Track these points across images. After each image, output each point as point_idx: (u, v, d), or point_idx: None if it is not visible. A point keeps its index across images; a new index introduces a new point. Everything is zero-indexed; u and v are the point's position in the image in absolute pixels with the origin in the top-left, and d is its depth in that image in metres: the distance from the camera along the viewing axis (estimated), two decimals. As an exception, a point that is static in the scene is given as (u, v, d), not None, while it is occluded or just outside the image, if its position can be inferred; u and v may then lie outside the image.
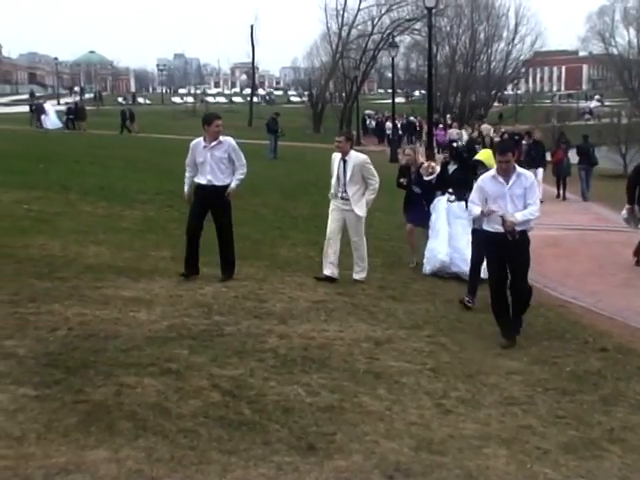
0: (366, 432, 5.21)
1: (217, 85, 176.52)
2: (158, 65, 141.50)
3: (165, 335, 7.10)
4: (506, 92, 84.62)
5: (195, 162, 9.71)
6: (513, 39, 67.49)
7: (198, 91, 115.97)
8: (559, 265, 12.48)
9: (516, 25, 66.97)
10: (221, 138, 9.67)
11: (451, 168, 11.31)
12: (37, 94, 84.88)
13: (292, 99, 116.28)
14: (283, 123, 32.74)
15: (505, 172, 7.68)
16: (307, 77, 74.77)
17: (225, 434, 5.00)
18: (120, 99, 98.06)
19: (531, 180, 7.81)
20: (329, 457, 4.79)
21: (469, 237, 10.14)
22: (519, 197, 7.67)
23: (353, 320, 8.14)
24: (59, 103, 52.54)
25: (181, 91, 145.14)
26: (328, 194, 10.37)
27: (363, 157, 10.23)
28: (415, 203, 11.55)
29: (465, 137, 26.89)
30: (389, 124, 45.56)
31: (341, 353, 6.94)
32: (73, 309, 7.70)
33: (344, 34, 56.91)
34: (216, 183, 9.59)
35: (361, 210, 10.08)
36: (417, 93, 79.97)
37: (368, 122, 58.48)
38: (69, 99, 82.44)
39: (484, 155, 9.79)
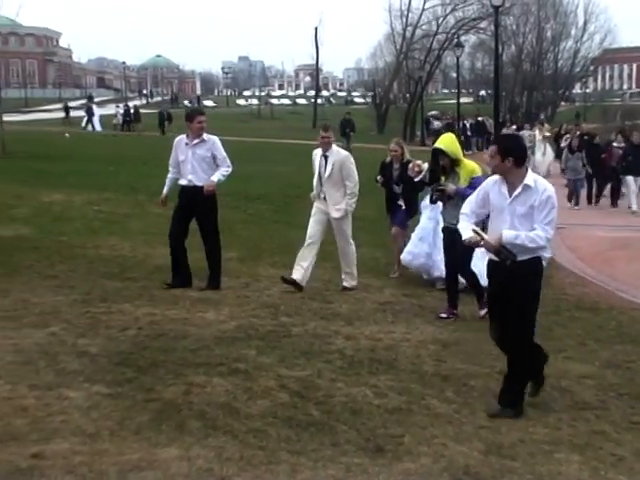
0: (434, 435, 5.17)
1: (281, 87, 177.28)
2: (223, 68, 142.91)
3: (233, 335, 7.17)
4: (574, 91, 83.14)
5: (178, 161, 9.19)
6: (582, 36, 66.47)
7: (262, 93, 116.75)
8: (631, 267, 12.17)
9: (585, 22, 65.98)
10: (205, 136, 9.12)
11: None
12: (104, 98, 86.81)
13: (356, 100, 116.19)
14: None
15: (507, 179, 5.63)
16: (371, 78, 74.60)
17: (294, 434, 5.02)
18: (186, 102, 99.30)
19: (546, 196, 5.51)
20: (398, 459, 4.77)
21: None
22: (522, 217, 5.56)
23: (420, 322, 8.10)
24: (126, 106, 54.45)
25: (246, 93, 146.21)
26: (310, 195, 9.77)
27: (345, 154, 9.51)
28: (396, 203, 10.62)
29: (538, 138, 26.13)
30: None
31: (408, 355, 6.90)
32: (143, 309, 7.83)
33: (408, 34, 56.53)
34: (197, 183, 9.01)
35: (338, 212, 9.33)
36: (483, 93, 79.20)
37: (431, 124, 57.92)
38: (137, 102, 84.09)
39: (445, 141, 8.47)
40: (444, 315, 8.39)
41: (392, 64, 60.34)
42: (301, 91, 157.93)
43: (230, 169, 9.22)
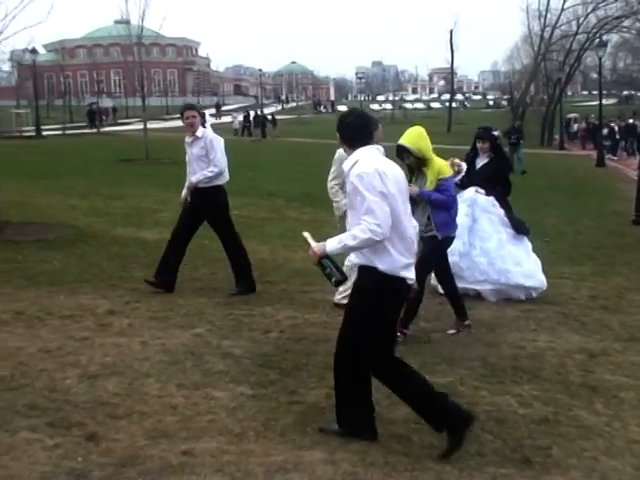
0: (584, 448, 4.99)
1: (415, 91, 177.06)
2: (357, 73, 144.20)
3: (373, 340, 7.16)
4: None
5: None
6: None
7: (396, 98, 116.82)
8: None
9: None
10: (199, 132, 8.68)
11: (480, 162, 9.02)
12: (241, 105, 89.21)
13: (491, 103, 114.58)
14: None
15: None
16: (507, 81, 73.31)
17: (437, 442, 4.95)
18: (322, 108, 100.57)
19: (350, 181, 4.64)
20: (546, 472, 4.63)
21: (501, 237, 8.99)
22: (349, 208, 4.85)
23: (564, 330, 7.85)
24: (246, 112, 56.67)
25: (379, 98, 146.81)
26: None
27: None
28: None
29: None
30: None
31: (553, 364, 6.70)
32: (284, 312, 7.94)
33: (547, 35, 55.18)
34: (198, 185, 8.71)
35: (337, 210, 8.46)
36: (626, 93, 76.48)
37: (571, 126, 56.26)
38: (272, 108, 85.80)
39: (410, 136, 7.11)
40: (452, 331, 7.65)
41: (529, 66, 59.09)
42: (435, 95, 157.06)
43: (216, 170, 8.68)
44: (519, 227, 9.15)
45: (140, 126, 31.26)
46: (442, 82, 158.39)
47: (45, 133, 47.53)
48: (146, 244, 11.77)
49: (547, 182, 24.52)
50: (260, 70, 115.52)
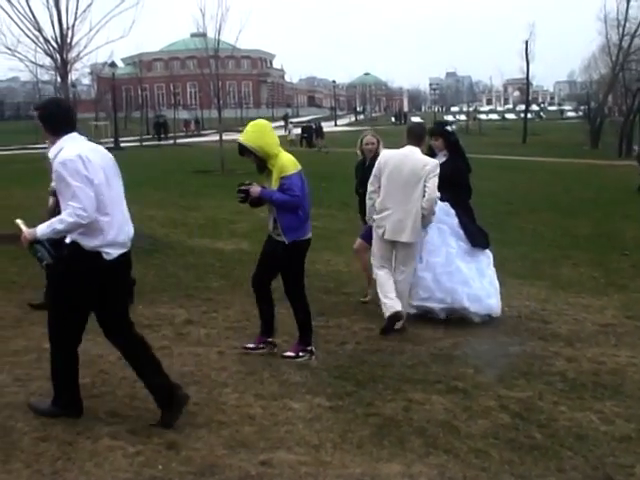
0: (669, 468, 4.86)
1: (489, 102, 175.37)
2: (431, 84, 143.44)
3: (450, 353, 7.12)
4: None
5: None
6: None
7: (470, 109, 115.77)
8: None
9: None
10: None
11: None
12: (315, 116, 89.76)
13: (568, 114, 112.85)
14: (558, 139, 31.69)
15: None
16: (584, 91, 72.00)
17: (516, 457, 4.89)
18: (393, 119, 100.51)
19: (57, 171, 4.78)
20: (629, 491, 4.53)
21: (451, 250, 8.06)
22: (61, 197, 4.93)
23: (646, 346, 7.67)
24: (308, 123, 57.35)
25: (453, 109, 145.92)
26: None
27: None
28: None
29: None
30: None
31: (635, 380, 6.54)
32: (359, 324, 7.93)
33: (625, 45, 54.20)
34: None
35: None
36: None
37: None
38: (346, 120, 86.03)
39: (249, 132, 6.74)
40: (289, 354, 6.83)
41: (607, 76, 58.06)
42: (510, 105, 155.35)
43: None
44: (476, 239, 8.22)
45: (215, 137, 31.66)
46: (517, 93, 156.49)
47: (123, 145, 48.60)
48: (222, 255, 11.92)
49: (625, 194, 24.01)
50: (333, 82, 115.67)
